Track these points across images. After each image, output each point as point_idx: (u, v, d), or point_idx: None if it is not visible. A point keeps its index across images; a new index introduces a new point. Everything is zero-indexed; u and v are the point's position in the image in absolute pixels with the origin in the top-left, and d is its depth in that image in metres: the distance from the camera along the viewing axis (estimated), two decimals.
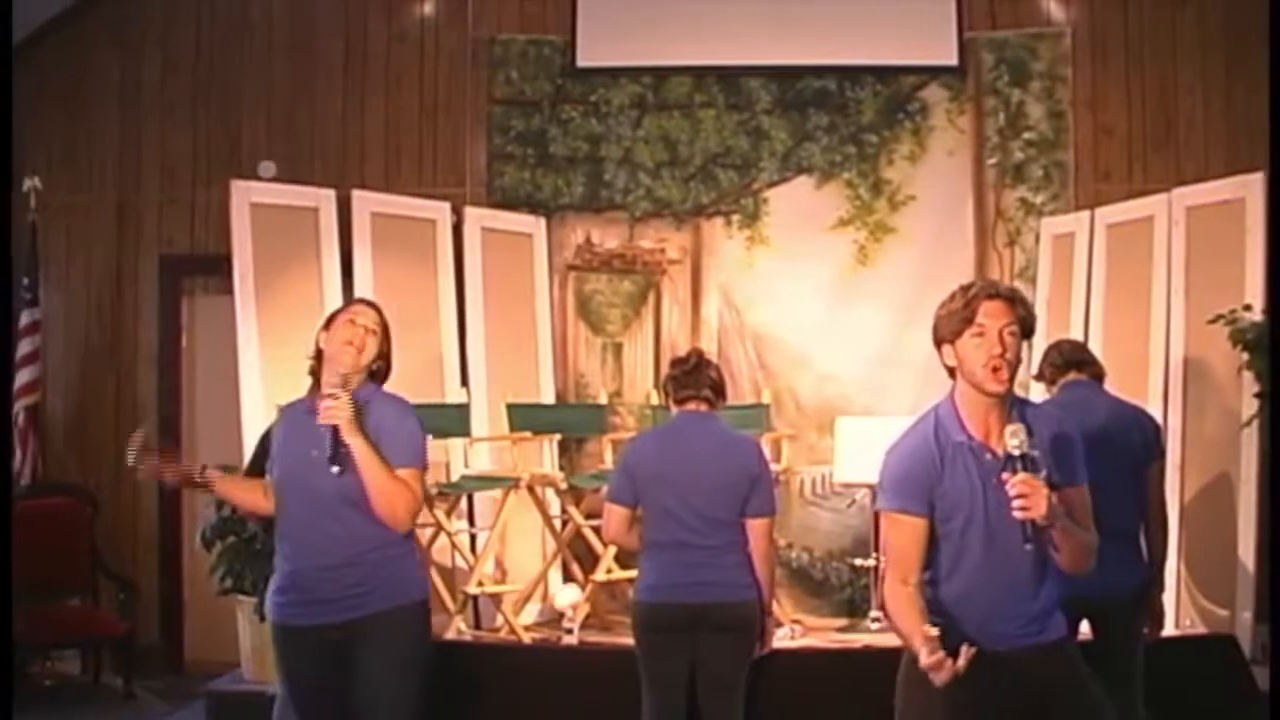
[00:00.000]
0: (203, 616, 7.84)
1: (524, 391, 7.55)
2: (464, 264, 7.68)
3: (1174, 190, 7.11)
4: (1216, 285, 6.62)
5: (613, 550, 6.64)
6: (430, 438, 6.66)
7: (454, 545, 6.95)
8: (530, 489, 6.92)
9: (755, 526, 4.87)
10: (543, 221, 8.08)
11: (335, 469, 3.96)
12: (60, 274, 8.27)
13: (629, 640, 5.04)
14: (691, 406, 4.98)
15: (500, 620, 6.85)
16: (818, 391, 7.93)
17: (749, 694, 4.92)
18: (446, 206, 7.77)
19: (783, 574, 7.41)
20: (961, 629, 3.36)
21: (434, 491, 6.72)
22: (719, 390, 5.02)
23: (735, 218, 8.09)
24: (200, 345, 8.27)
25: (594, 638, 6.60)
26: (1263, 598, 6.10)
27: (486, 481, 7.10)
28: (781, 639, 6.11)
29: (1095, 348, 6.04)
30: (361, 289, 7.23)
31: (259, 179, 7.66)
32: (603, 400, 7.76)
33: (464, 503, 7.27)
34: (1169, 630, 5.54)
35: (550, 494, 7.21)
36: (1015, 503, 3.22)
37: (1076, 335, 6.94)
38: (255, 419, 6.54)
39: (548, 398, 7.85)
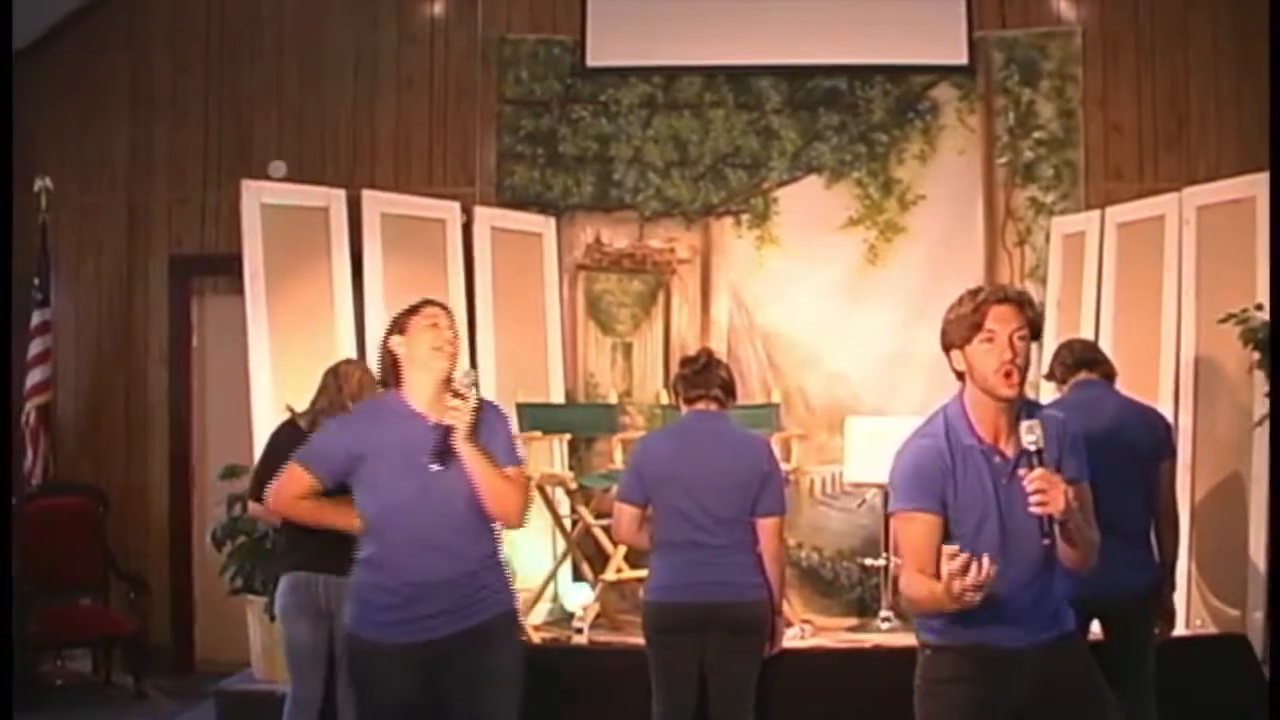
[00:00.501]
0: (213, 616, 7.86)
1: (534, 391, 7.55)
2: (474, 264, 7.69)
3: (1185, 189, 7.10)
4: (1227, 284, 6.61)
5: (623, 550, 6.64)
6: None
7: None
8: (540, 488, 6.91)
9: (765, 526, 4.87)
10: (552, 221, 8.08)
11: (435, 466, 3.87)
12: (71, 274, 8.29)
13: (639, 640, 5.04)
14: (701, 406, 4.98)
15: None
16: (828, 391, 7.92)
17: (759, 693, 4.92)
18: (456, 206, 7.77)
19: (793, 573, 7.40)
20: (973, 628, 3.37)
21: None
22: (729, 390, 5.02)
23: (745, 217, 8.09)
24: (210, 345, 8.28)
25: (604, 637, 6.60)
26: (1274, 598, 6.09)
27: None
28: (792, 639, 6.11)
29: (1106, 347, 6.04)
30: (371, 289, 7.24)
31: (269, 179, 7.67)
32: (612, 400, 7.76)
33: None
34: (1180, 630, 5.53)
35: (560, 493, 7.20)
36: (1034, 498, 3.24)
37: (1087, 334, 6.94)
38: (265, 418, 6.54)
39: (557, 397, 7.86)
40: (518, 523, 4.05)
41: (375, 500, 3.97)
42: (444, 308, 4.15)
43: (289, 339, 6.97)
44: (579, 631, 6.40)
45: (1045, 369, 5.32)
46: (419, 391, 4.00)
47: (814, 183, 8.07)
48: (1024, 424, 3.32)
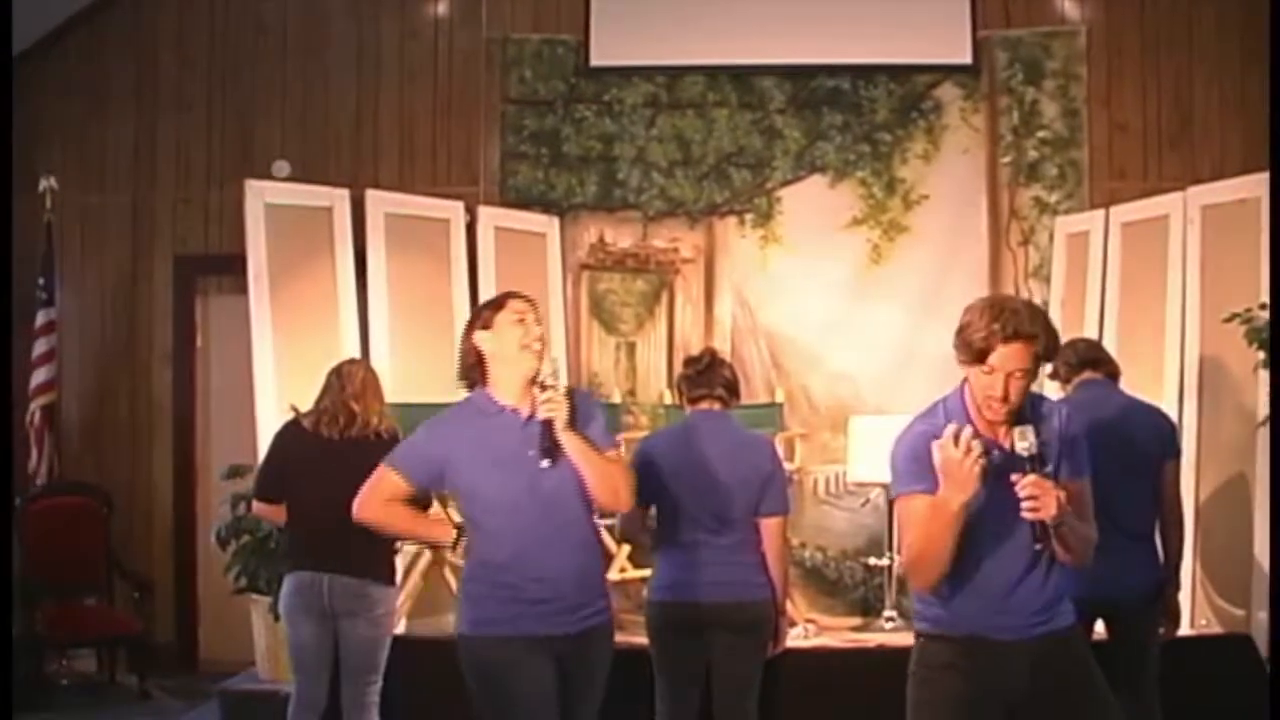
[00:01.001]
0: (217, 615, 7.87)
1: None
2: (477, 263, 7.68)
3: (1189, 189, 7.09)
4: (1232, 283, 6.59)
5: (626, 549, 6.64)
6: None
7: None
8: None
9: (769, 525, 4.87)
10: (556, 221, 8.08)
11: (546, 462, 3.78)
12: (76, 274, 8.29)
13: (643, 639, 5.04)
14: (705, 405, 4.97)
15: None
16: (831, 390, 7.92)
17: (763, 693, 4.91)
18: (460, 206, 7.77)
19: (796, 573, 7.40)
20: (967, 619, 3.41)
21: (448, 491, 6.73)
22: (732, 389, 5.01)
23: (749, 217, 8.09)
24: (215, 345, 8.29)
25: None
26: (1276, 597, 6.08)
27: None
28: (795, 638, 6.10)
29: (1110, 346, 6.02)
30: (375, 288, 7.25)
31: (273, 179, 7.67)
32: (616, 399, 7.76)
33: None
34: (1184, 630, 5.52)
35: None
36: (1025, 504, 3.26)
37: (1091, 334, 6.93)
38: (270, 418, 6.54)
39: None
40: (627, 505, 4.02)
41: (482, 502, 3.87)
42: (529, 301, 4.02)
43: (293, 339, 6.97)
44: None
45: (1049, 369, 5.31)
46: (506, 387, 3.90)
47: (818, 182, 8.07)
48: (1016, 429, 3.33)
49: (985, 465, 3.24)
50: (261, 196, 7.11)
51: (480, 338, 3.93)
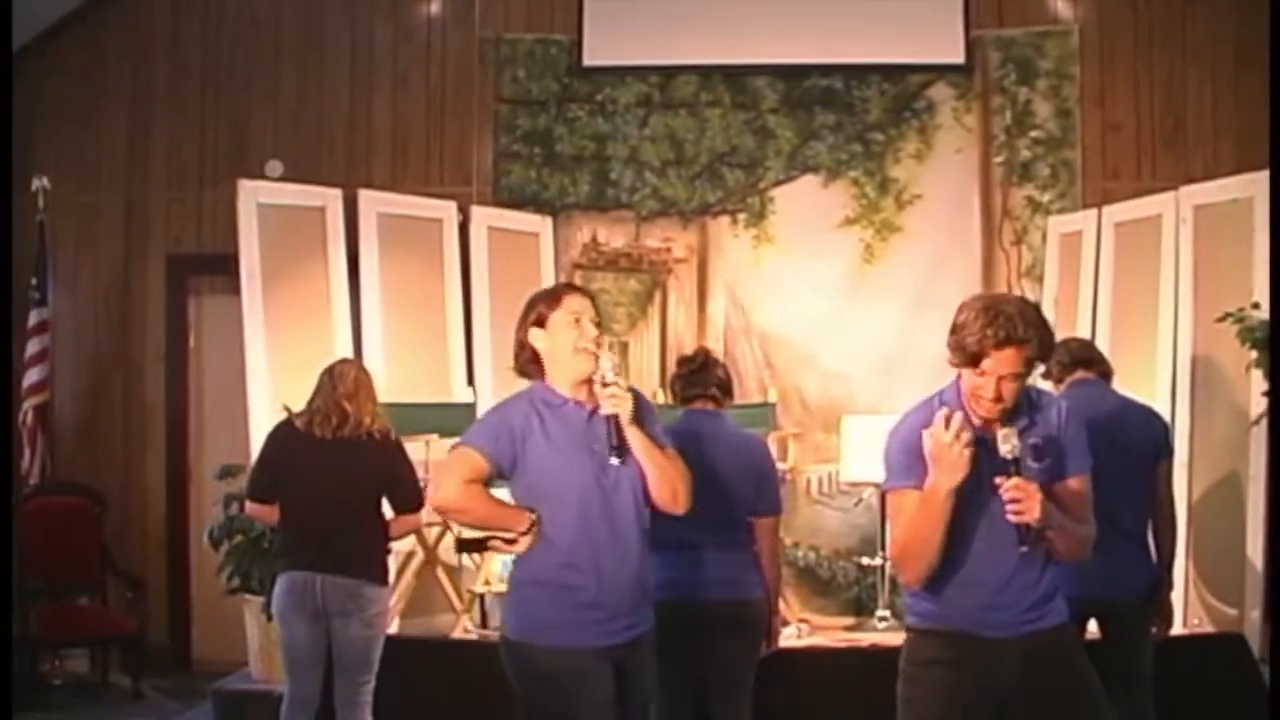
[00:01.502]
0: (211, 615, 7.85)
1: None
2: (470, 263, 7.69)
3: (1182, 188, 7.11)
4: (1225, 283, 6.61)
5: None
6: (437, 436, 6.74)
7: None
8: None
9: (762, 525, 4.87)
10: (549, 220, 8.08)
11: (616, 460, 3.65)
12: (68, 273, 8.28)
13: None
14: (698, 405, 4.97)
15: None
16: (824, 390, 7.92)
17: (756, 692, 4.91)
18: (453, 206, 7.77)
19: (789, 573, 7.41)
20: (956, 614, 3.42)
21: None
22: (726, 389, 5.01)
23: (742, 216, 8.09)
24: (207, 344, 8.28)
25: None
26: (1271, 597, 6.09)
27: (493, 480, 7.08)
28: (789, 637, 6.11)
29: (1103, 346, 6.04)
30: (368, 288, 7.25)
31: (266, 179, 7.67)
32: None
33: None
34: (1177, 629, 5.54)
35: None
36: (1010, 507, 3.27)
37: (1084, 334, 6.94)
38: (262, 418, 6.54)
39: None
40: (684, 506, 3.81)
41: (544, 491, 3.72)
42: (587, 296, 3.93)
43: (286, 338, 6.97)
44: None
45: (1042, 368, 5.31)
46: (564, 383, 3.79)
47: (810, 182, 8.07)
48: (1000, 432, 3.33)
49: (974, 451, 3.25)
50: (254, 196, 7.11)
51: (535, 336, 3.82)
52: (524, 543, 3.72)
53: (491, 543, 3.93)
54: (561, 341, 3.78)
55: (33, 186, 7.88)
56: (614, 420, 3.67)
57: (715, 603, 4.77)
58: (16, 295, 7.73)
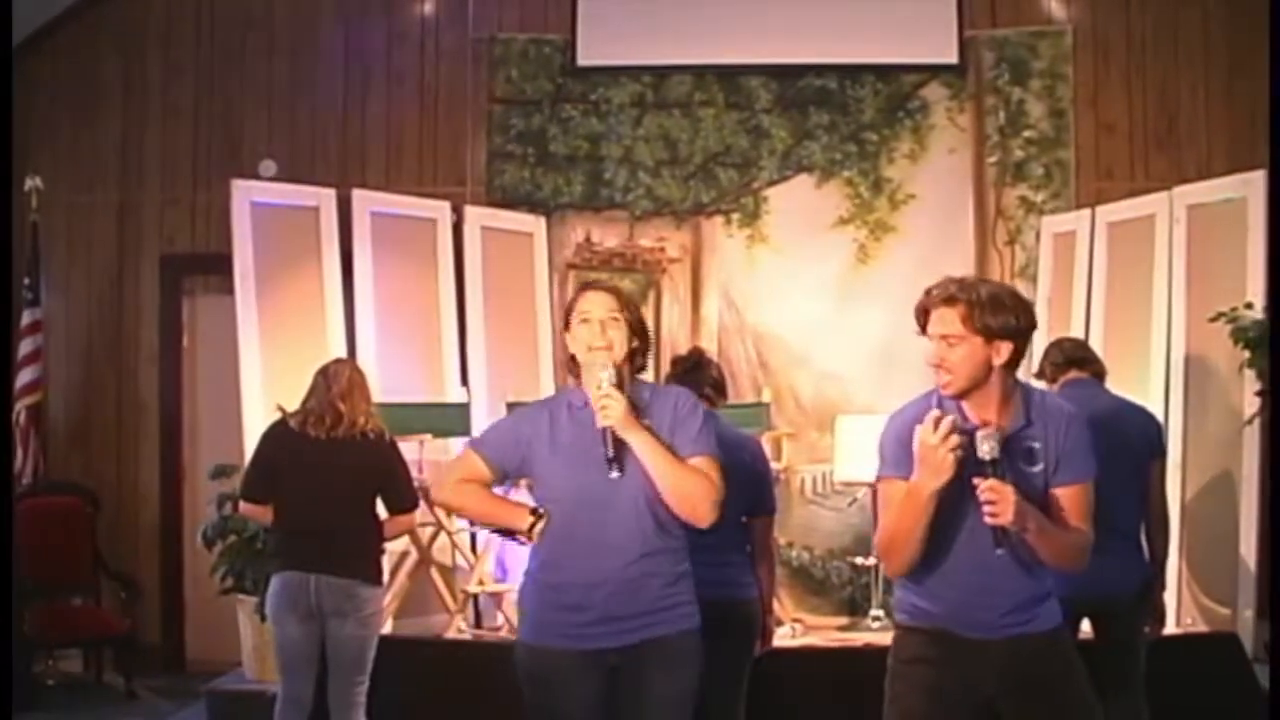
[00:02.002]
0: (204, 616, 7.86)
1: (524, 390, 7.53)
2: (464, 263, 7.68)
3: (1175, 188, 7.11)
4: (1218, 283, 6.62)
5: None
6: (431, 436, 6.74)
7: (454, 544, 6.96)
8: (530, 487, 6.90)
9: (756, 525, 4.87)
10: (543, 220, 8.08)
11: (615, 473, 3.60)
12: (61, 273, 8.27)
13: None
14: None
15: (501, 619, 6.85)
16: (818, 390, 7.92)
17: (750, 692, 4.92)
18: (446, 206, 7.77)
19: (783, 572, 7.40)
20: (943, 611, 3.42)
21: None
22: (720, 389, 5.01)
23: (735, 216, 8.09)
24: (201, 345, 8.27)
25: None
26: (1264, 596, 6.10)
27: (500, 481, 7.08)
28: (782, 637, 6.11)
29: (1096, 346, 6.04)
30: (362, 288, 7.24)
31: (259, 178, 7.66)
32: None
33: None
34: (1170, 629, 5.55)
35: None
36: (985, 508, 3.27)
37: (1077, 333, 6.94)
38: (256, 418, 6.54)
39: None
40: (706, 518, 3.67)
41: (548, 495, 3.75)
42: (605, 292, 3.81)
43: (279, 338, 6.96)
44: None
45: (1035, 368, 5.32)
46: (589, 384, 3.71)
47: (804, 182, 8.07)
48: (980, 433, 3.33)
49: (960, 455, 3.25)
50: (248, 196, 7.10)
51: (566, 339, 3.81)
52: (533, 540, 3.75)
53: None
54: (578, 343, 3.76)
55: (26, 186, 7.87)
56: (608, 432, 3.64)
57: (709, 602, 4.76)
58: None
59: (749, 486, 4.84)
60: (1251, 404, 6.26)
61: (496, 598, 6.88)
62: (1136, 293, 7.14)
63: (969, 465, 3.30)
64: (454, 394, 7.44)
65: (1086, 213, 7.61)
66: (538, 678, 3.71)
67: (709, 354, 5.17)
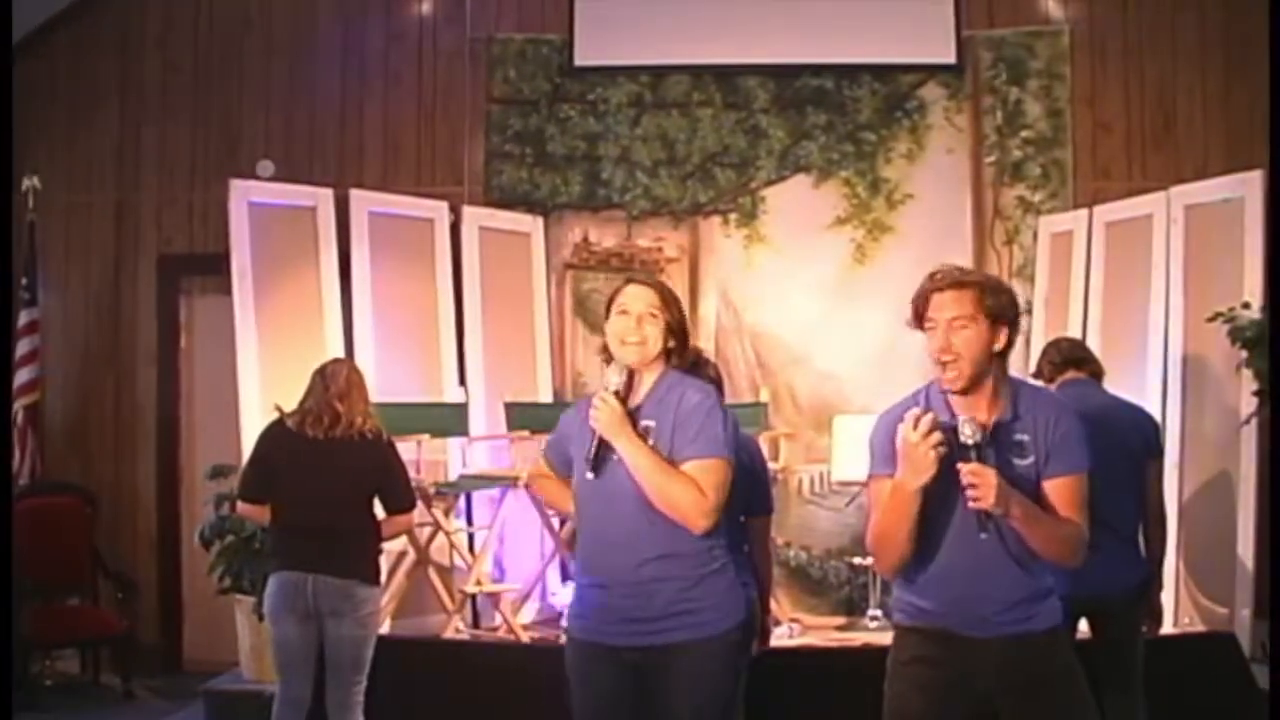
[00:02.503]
0: (202, 616, 7.85)
1: (522, 390, 7.56)
2: (462, 263, 7.69)
3: (1172, 188, 7.12)
4: (1215, 283, 6.63)
5: None
6: (429, 436, 6.75)
7: (452, 545, 6.96)
8: (528, 488, 6.91)
9: (753, 525, 4.86)
10: (540, 220, 8.08)
11: (590, 474, 3.62)
12: (59, 273, 8.26)
13: None
14: None
15: (499, 619, 6.85)
16: (816, 390, 7.93)
17: (747, 692, 4.91)
18: (444, 206, 7.77)
19: (781, 572, 7.41)
20: (939, 609, 3.42)
21: (431, 491, 6.73)
22: (717, 388, 5.00)
23: (733, 216, 8.09)
24: (199, 344, 8.26)
25: None
26: (1262, 595, 6.10)
27: (484, 481, 7.10)
28: (780, 637, 6.12)
29: (1094, 346, 6.05)
30: (359, 288, 7.24)
31: (257, 178, 7.65)
32: None
33: (462, 502, 7.28)
34: (1168, 628, 5.55)
35: None
36: (968, 492, 3.27)
37: (1075, 333, 6.95)
38: (254, 418, 6.54)
39: (545, 396, 7.85)
40: (696, 526, 3.57)
41: (574, 490, 3.78)
42: (645, 284, 3.84)
43: (277, 338, 6.96)
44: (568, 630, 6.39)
45: (1033, 368, 5.33)
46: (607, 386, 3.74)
47: (802, 182, 8.07)
48: (960, 418, 3.33)
49: (942, 452, 3.25)
50: (246, 196, 7.11)
51: (607, 331, 3.81)
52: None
53: None
54: (612, 335, 3.78)
55: (23, 186, 7.87)
56: (594, 433, 3.65)
57: None
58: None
59: (746, 486, 4.84)
60: (1249, 404, 6.27)
61: (494, 598, 6.89)
62: (1134, 293, 7.14)
63: (954, 458, 3.30)
64: (452, 394, 7.45)
65: (1084, 213, 7.62)
66: (569, 668, 3.78)
67: (706, 354, 5.17)
